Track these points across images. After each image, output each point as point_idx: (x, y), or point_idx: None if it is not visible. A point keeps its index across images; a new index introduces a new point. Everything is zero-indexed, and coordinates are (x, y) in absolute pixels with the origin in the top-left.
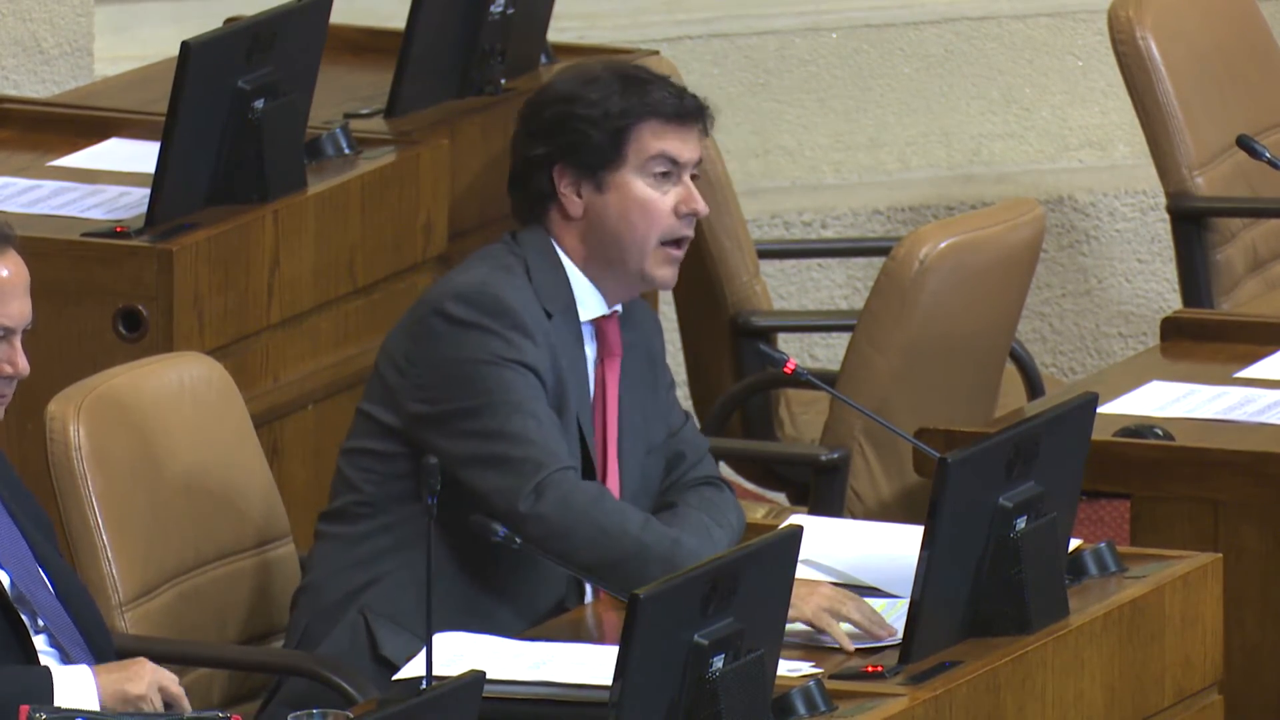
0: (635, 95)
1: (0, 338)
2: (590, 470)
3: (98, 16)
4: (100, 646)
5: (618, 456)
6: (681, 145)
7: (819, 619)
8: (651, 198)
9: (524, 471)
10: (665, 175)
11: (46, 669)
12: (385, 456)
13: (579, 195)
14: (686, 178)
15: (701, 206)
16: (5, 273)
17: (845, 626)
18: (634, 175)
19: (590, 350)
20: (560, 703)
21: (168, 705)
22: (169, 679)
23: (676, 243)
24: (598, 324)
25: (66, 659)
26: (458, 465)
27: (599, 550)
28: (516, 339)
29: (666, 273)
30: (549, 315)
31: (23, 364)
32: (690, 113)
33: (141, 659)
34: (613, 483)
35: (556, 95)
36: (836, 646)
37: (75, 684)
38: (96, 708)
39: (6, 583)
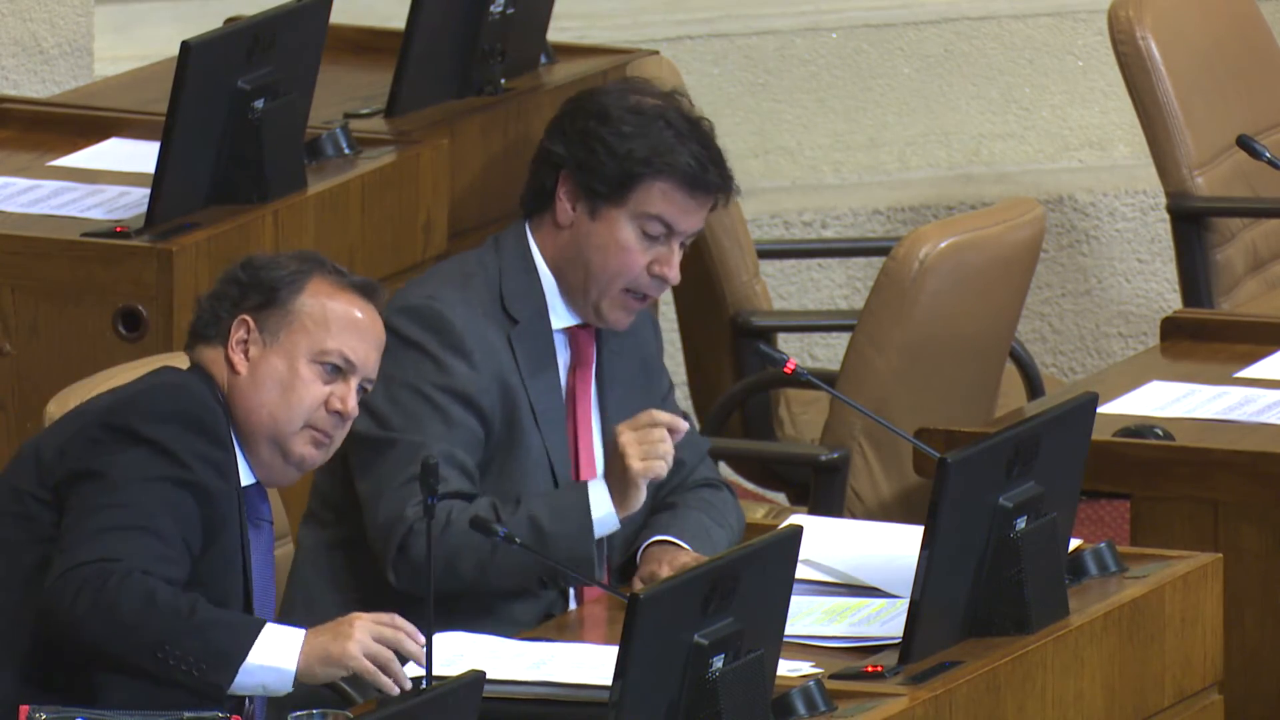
0: (664, 147)
1: (337, 370)
2: (564, 475)
3: (98, 16)
4: None
5: (603, 461)
6: (683, 216)
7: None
8: (632, 248)
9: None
10: (655, 236)
11: (262, 620)
12: (348, 462)
13: (573, 208)
14: (675, 245)
15: (674, 276)
16: (361, 313)
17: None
18: (627, 221)
19: (564, 358)
20: (560, 703)
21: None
22: (382, 651)
23: (641, 296)
24: (571, 332)
25: None
26: (359, 483)
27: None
28: (450, 361)
29: (620, 317)
30: (514, 320)
31: (353, 405)
32: (707, 187)
33: (355, 616)
34: None
35: (597, 108)
36: (838, 646)
37: (279, 641)
38: (293, 666)
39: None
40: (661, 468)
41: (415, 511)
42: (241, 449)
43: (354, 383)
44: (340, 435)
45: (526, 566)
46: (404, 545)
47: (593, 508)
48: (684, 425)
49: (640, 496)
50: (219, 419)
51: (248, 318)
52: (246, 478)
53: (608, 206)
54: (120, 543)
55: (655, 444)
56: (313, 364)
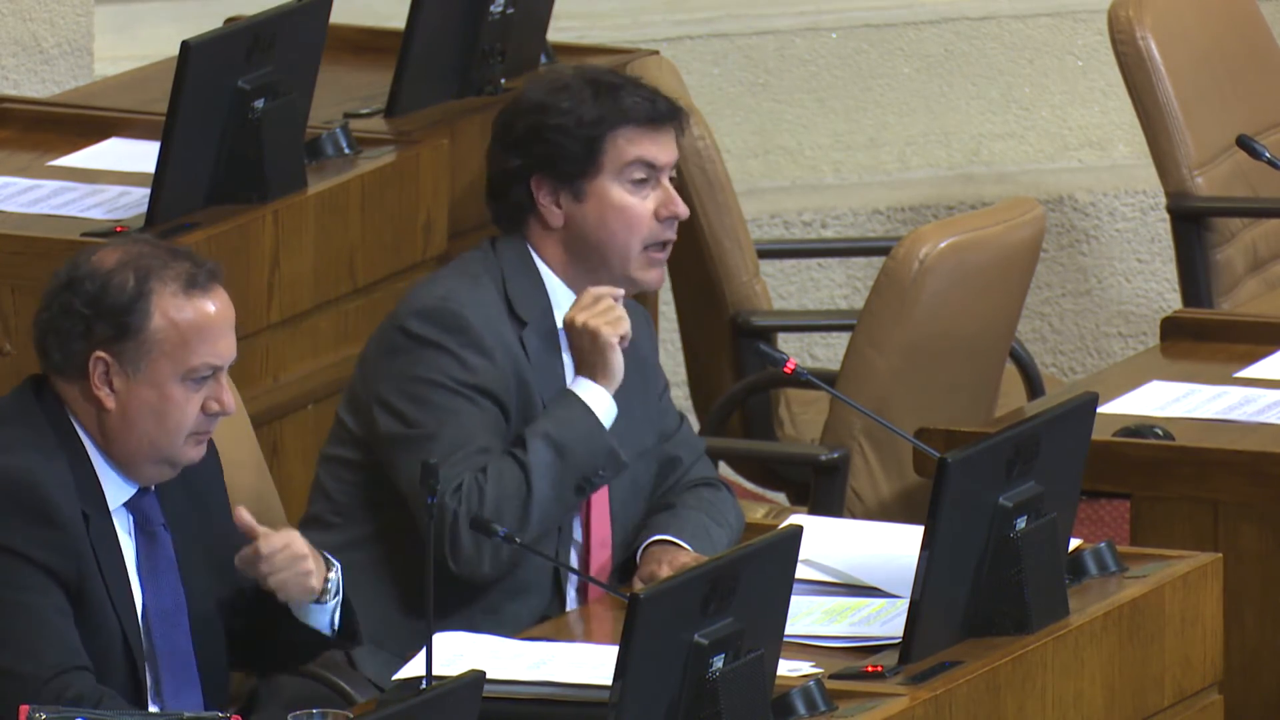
0: (608, 101)
1: (208, 376)
2: None
3: (98, 16)
4: (215, 683)
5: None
6: (658, 150)
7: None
8: (631, 204)
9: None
10: (643, 181)
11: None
12: (354, 465)
13: (558, 205)
14: (665, 180)
15: (682, 209)
16: (213, 308)
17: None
18: (612, 182)
19: (568, 358)
20: (560, 703)
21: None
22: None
23: (661, 245)
24: None
25: (168, 696)
26: (405, 487)
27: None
28: (471, 358)
29: (653, 275)
30: (523, 323)
31: (229, 401)
32: (664, 116)
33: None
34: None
35: (528, 106)
36: (838, 646)
37: None
38: None
39: (145, 643)
40: (628, 324)
41: (454, 501)
42: (119, 469)
43: (223, 378)
44: (213, 429)
45: (565, 487)
46: (454, 536)
47: (590, 405)
48: (619, 290)
49: (620, 361)
50: (49, 499)
51: (103, 354)
52: (127, 491)
53: (588, 180)
54: (34, 672)
55: (610, 309)
56: (182, 383)
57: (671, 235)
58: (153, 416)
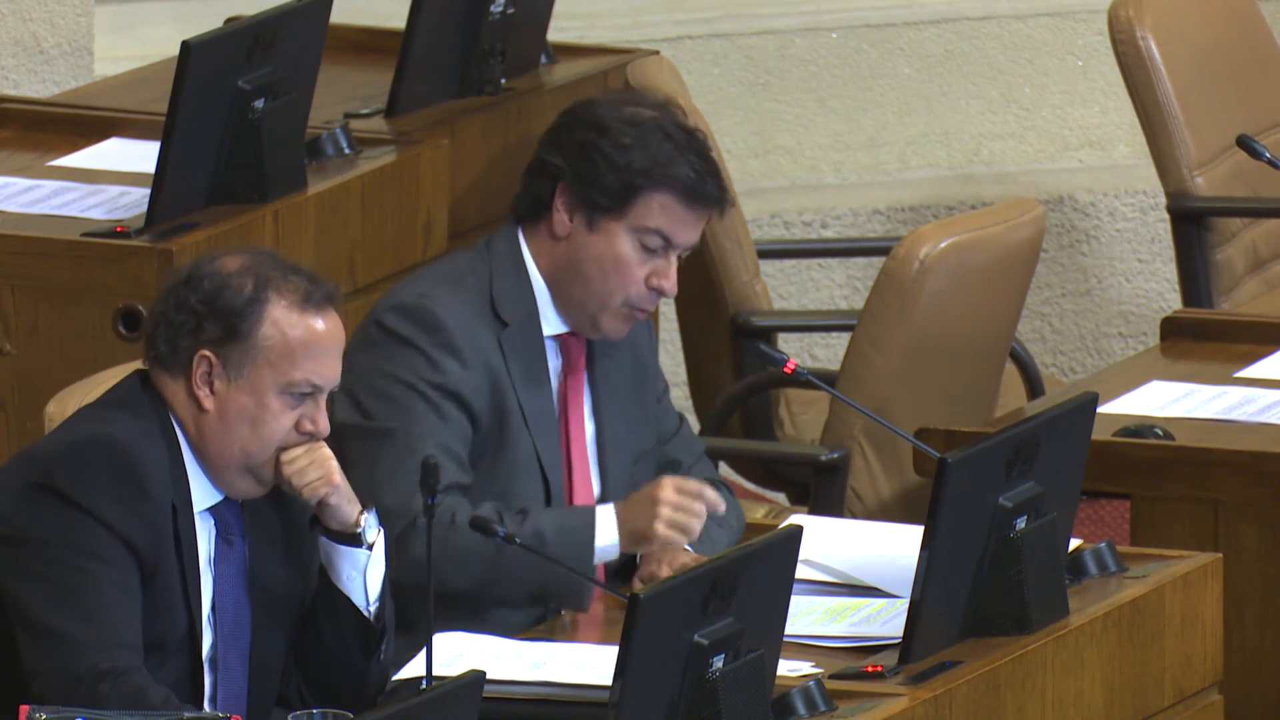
0: (663, 159)
1: (308, 395)
2: (555, 479)
3: (98, 16)
4: (261, 697)
5: (599, 467)
6: (681, 229)
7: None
8: (630, 261)
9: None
10: (653, 249)
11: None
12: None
13: (570, 219)
14: (673, 257)
15: (671, 288)
16: (323, 327)
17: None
18: (626, 233)
19: (555, 364)
20: (560, 703)
21: None
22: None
23: (640, 309)
24: (561, 339)
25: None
26: (356, 480)
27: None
28: (442, 359)
29: (619, 328)
30: (505, 323)
31: (324, 424)
32: (705, 199)
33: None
34: (585, 493)
35: (595, 120)
36: (838, 646)
37: None
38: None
39: (207, 646)
40: (680, 541)
41: (418, 506)
42: (209, 474)
43: (322, 399)
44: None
45: (524, 582)
46: (402, 537)
47: (597, 535)
48: (723, 506)
49: (648, 549)
50: (146, 473)
51: (209, 354)
52: (213, 497)
53: (606, 219)
54: (86, 638)
55: (689, 518)
56: (281, 395)
57: (651, 305)
58: (248, 423)
